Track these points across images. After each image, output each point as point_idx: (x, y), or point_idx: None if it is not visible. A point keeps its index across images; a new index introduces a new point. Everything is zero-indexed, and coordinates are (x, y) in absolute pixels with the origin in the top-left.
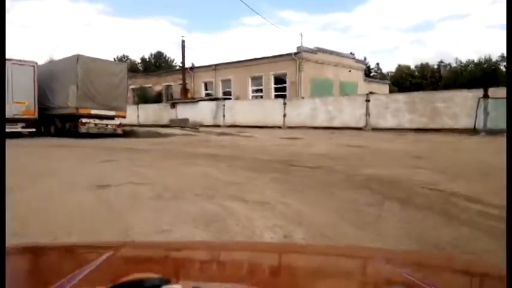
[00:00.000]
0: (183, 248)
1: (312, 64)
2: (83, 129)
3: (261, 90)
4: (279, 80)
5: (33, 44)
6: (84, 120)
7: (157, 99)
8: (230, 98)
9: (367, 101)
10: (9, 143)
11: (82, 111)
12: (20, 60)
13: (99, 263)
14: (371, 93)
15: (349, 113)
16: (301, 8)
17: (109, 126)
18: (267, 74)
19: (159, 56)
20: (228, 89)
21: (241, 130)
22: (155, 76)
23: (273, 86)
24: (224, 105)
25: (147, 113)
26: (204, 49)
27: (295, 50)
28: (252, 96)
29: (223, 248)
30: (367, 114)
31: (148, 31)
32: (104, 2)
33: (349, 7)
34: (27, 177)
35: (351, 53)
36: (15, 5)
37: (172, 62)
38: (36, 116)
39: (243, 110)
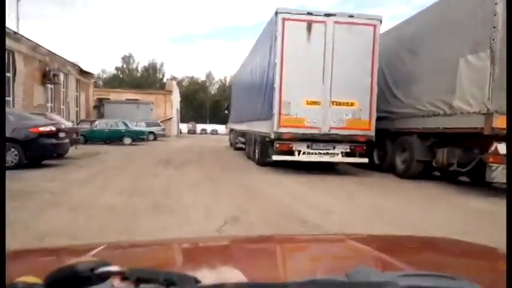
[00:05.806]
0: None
1: None
2: (496, 176)
3: None
4: None
5: None
6: (501, 149)
7: None
8: None
9: None
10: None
11: (502, 122)
12: (360, 15)
13: None
14: None
15: None
16: None
17: None
18: None
19: None
20: None
21: None
22: None
23: None
24: None
25: None
26: None
27: None
28: None
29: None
30: None
31: None
32: None
33: None
34: None
35: None
36: None
37: None
38: (372, 132)
39: None
